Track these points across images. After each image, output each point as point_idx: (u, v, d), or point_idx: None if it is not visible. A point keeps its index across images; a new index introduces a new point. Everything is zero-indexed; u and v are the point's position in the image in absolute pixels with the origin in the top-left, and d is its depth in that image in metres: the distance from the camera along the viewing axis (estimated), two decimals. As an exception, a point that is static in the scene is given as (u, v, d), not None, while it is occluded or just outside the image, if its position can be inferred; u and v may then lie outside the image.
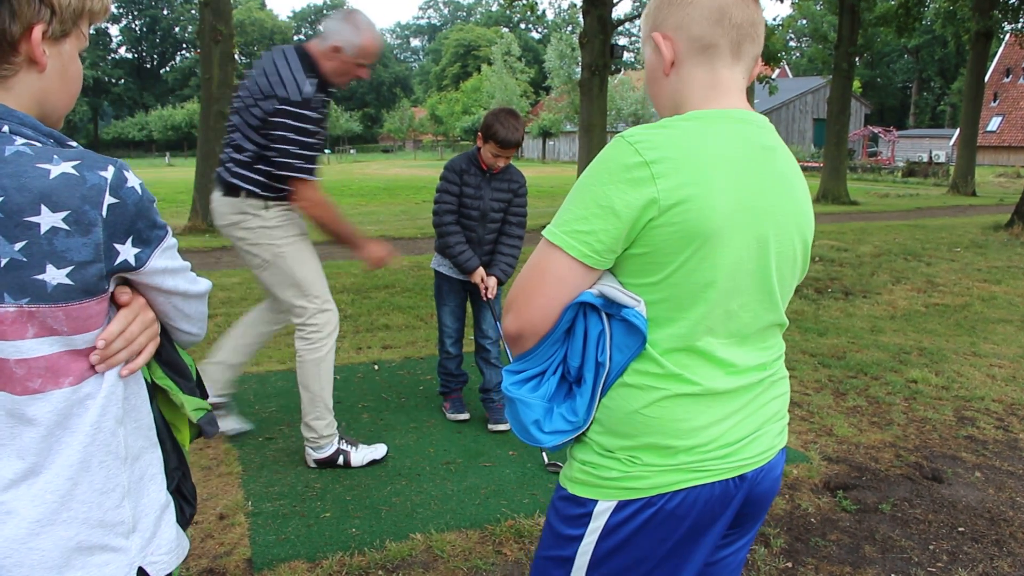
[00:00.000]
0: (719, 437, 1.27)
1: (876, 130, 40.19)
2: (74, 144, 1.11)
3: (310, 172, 3.03)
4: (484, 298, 3.70)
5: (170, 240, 1.17)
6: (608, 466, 1.27)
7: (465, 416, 3.94)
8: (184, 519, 1.38)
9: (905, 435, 3.90)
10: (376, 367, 4.79)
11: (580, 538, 1.29)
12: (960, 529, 2.99)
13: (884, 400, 4.39)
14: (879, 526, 2.99)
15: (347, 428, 3.80)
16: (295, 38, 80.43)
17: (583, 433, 1.32)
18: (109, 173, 1.06)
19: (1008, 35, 26.44)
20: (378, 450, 3.44)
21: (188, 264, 1.24)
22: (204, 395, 1.39)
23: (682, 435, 1.25)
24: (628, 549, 1.27)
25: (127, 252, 1.08)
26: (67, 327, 1.05)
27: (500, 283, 3.76)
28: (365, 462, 3.38)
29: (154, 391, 1.28)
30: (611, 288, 1.24)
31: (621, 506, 1.26)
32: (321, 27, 3.09)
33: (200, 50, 11.85)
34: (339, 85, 3.14)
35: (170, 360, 1.29)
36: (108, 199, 1.05)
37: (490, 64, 52.01)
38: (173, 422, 1.34)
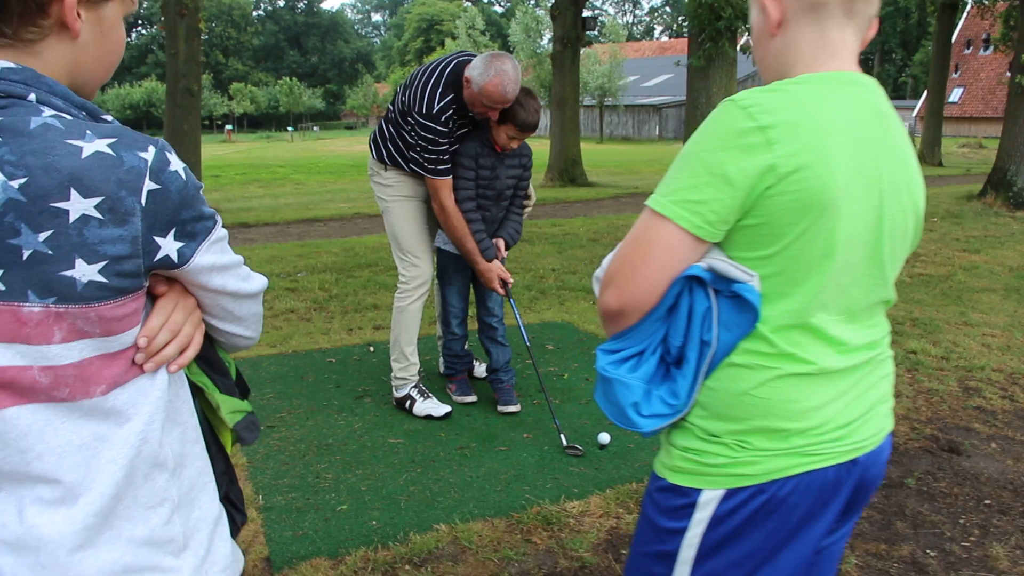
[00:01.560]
0: (833, 419, 1.18)
1: (841, 102, 40.51)
2: (109, 118, 0.96)
3: (431, 172, 3.39)
4: (500, 293, 3.60)
5: (219, 232, 1.02)
6: (714, 452, 1.18)
7: (472, 398, 3.81)
8: (235, 528, 1.25)
9: (916, 407, 3.87)
10: (372, 348, 4.63)
11: (684, 531, 1.20)
12: (987, 502, 2.96)
13: (889, 372, 4.37)
14: (907, 501, 2.94)
15: (351, 414, 3.67)
16: (253, 14, 78.74)
17: (682, 418, 1.23)
18: (149, 155, 0.91)
19: (970, 6, 26.73)
20: (439, 408, 3.61)
21: (240, 259, 1.09)
22: (244, 394, 1.25)
23: (795, 417, 1.16)
24: (738, 541, 1.18)
25: (169, 247, 0.94)
26: (100, 328, 0.90)
27: (508, 246, 3.65)
28: (422, 414, 3.61)
29: (196, 388, 1.15)
30: (721, 262, 1.14)
31: (730, 494, 1.17)
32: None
33: (165, 24, 11.41)
34: (473, 113, 3.36)
35: (205, 355, 1.14)
36: (148, 185, 0.90)
37: (454, 38, 51.23)
38: (215, 423, 1.21)
